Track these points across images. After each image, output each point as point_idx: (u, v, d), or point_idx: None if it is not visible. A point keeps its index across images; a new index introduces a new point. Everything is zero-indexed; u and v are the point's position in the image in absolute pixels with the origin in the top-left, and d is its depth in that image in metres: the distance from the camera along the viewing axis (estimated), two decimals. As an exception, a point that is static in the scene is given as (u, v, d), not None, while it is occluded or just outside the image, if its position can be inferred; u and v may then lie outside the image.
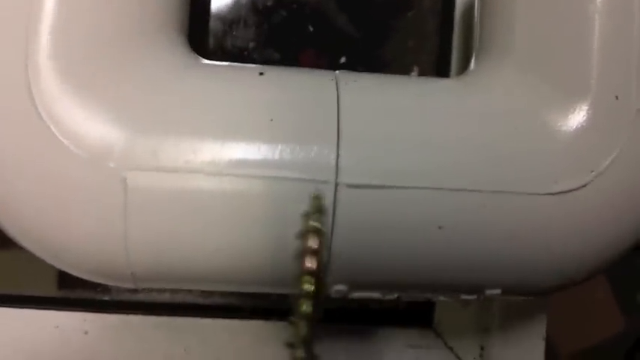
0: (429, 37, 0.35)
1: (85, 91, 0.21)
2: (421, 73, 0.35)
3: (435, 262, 0.23)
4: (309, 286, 0.21)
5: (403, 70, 0.35)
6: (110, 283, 0.24)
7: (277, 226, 0.22)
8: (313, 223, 0.21)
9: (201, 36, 0.33)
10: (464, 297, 0.24)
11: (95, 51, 0.22)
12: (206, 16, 0.34)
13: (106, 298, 0.34)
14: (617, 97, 0.23)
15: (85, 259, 0.23)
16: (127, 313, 0.33)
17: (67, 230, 0.22)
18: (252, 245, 0.22)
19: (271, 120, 0.22)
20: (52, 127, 0.21)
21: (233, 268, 0.23)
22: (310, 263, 0.21)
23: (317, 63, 0.34)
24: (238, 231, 0.22)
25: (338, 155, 0.22)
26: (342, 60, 0.35)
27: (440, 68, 0.35)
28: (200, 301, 0.35)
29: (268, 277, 0.23)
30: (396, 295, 0.25)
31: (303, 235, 0.21)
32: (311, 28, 0.35)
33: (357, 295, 0.24)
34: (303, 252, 0.21)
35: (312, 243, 0.21)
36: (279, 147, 0.22)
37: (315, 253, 0.21)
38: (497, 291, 0.24)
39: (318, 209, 0.21)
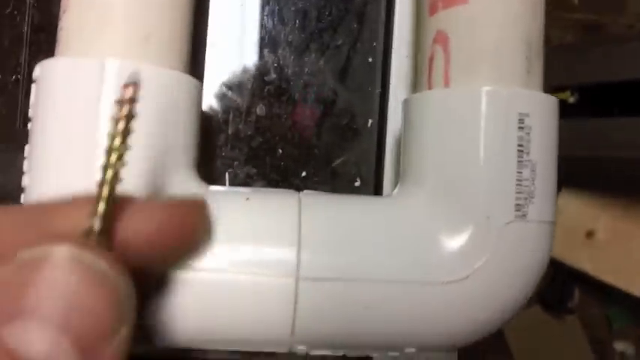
0: (368, 156, 0.39)
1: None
2: (362, 182, 0.39)
3: (366, 331, 0.27)
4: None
5: (350, 179, 0.38)
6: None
7: (261, 310, 0.26)
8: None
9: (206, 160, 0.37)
10: (390, 354, 0.29)
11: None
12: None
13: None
14: (488, 217, 0.27)
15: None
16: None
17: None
18: (250, 321, 0.26)
19: (254, 233, 0.27)
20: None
21: (244, 336, 0.27)
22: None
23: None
24: (244, 313, 0.26)
25: (299, 259, 0.26)
26: (303, 174, 0.38)
27: (376, 180, 0.39)
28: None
29: (262, 341, 0.27)
30: (342, 353, 0.29)
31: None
32: (280, 151, 0.38)
33: (314, 352, 0.28)
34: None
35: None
36: (260, 252, 0.26)
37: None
38: (413, 349, 0.28)
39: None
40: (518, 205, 0.27)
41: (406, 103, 0.31)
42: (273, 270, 0.26)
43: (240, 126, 0.38)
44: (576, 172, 0.91)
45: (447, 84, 0.28)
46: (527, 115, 0.27)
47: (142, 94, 0.20)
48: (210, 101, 0.37)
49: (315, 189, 0.37)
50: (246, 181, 0.37)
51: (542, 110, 0.27)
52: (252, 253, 0.26)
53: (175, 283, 0.25)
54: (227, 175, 0.38)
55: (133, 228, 0.21)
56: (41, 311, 0.16)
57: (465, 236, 0.27)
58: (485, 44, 0.28)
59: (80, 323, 0.16)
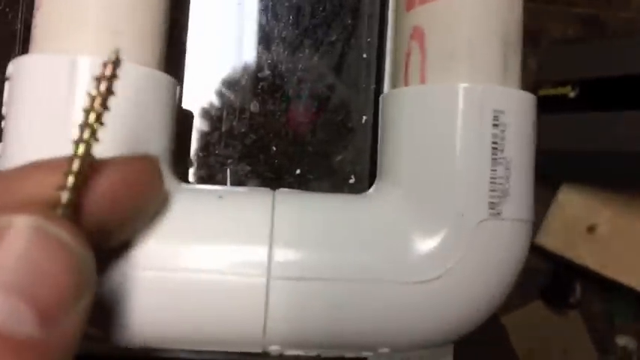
0: (362, 153, 0.38)
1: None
2: (357, 179, 0.38)
3: (338, 331, 0.26)
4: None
5: (343, 177, 0.38)
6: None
7: (232, 309, 0.25)
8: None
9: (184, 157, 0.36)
10: (364, 354, 0.28)
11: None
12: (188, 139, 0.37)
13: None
14: (462, 215, 0.26)
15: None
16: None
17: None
18: (222, 321, 0.26)
19: (226, 232, 0.26)
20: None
21: (215, 335, 0.26)
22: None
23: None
24: (215, 313, 0.25)
25: (270, 258, 0.26)
26: (298, 171, 0.37)
27: (371, 177, 0.37)
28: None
29: (234, 341, 0.26)
30: (315, 353, 0.28)
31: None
32: (274, 148, 0.37)
33: (288, 352, 0.27)
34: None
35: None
36: (231, 251, 0.26)
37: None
38: (386, 350, 0.27)
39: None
40: (492, 203, 0.26)
41: (383, 100, 0.31)
42: (244, 269, 0.25)
43: (234, 123, 0.37)
44: (577, 166, 0.90)
45: (423, 81, 0.28)
46: (502, 112, 0.26)
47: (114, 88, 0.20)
48: (203, 99, 0.37)
49: (310, 186, 0.37)
50: (240, 179, 0.37)
51: (518, 107, 0.27)
52: (224, 252, 0.26)
53: (146, 282, 0.25)
54: (226, 173, 0.37)
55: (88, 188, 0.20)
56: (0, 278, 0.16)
57: (439, 235, 0.27)
58: (461, 40, 0.27)
59: (40, 290, 0.16)
